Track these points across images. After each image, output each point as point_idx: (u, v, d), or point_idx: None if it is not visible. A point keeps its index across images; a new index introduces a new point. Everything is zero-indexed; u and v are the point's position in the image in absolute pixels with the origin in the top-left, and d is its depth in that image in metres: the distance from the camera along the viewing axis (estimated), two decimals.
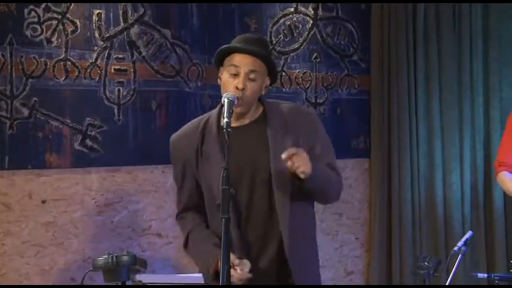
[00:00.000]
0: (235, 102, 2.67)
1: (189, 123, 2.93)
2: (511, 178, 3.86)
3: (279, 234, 2.72)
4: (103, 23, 4.19)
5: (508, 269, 3.85)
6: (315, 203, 2.94)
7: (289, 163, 2.59)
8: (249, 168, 2.74)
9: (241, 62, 2.72)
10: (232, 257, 2.54)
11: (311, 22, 5.01)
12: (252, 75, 2.72)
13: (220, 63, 2.80)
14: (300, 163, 2.59)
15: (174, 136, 2.93)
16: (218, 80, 2.81)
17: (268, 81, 2.83)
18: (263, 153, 2.75)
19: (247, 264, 2.64)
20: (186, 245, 2.90)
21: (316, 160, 2.72)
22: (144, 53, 4.33)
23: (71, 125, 4.11)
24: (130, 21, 4.28)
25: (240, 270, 2.60)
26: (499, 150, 4.06)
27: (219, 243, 2.55)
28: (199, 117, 2.93)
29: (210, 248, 2.73)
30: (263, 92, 2.83)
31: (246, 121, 2.82)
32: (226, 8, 4.61)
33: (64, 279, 4.11)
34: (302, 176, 2.61)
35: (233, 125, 2.70)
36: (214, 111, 2.87)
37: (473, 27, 5.23)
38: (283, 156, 2.57)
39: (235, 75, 2.72)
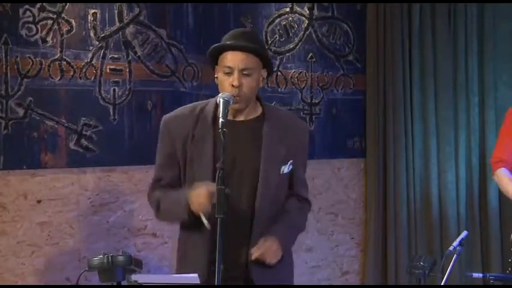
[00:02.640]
0: (231, 102, 2.67)
1: (184, 106, 2.94)
2: (508, 177, 3.84)
3: (251, 237, 2.76)
4: (98, 22, 4.19)
5: (503, 269, 3.86)
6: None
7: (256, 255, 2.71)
8: (235, 165, 2.74)
9: (234, 60, 2.72)
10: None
11: (306, 22, 5.01)
12: (246, 71, 2.72)
13: (215, 62, 2.80)
14: (271, 258, 2.74)
15: (167, 116, 2.92)
16: (215, 79, 2.81)
17: (265, 73, 2.83)
18: (254, 154, 2.76)
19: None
20: (158, 209, 2.87)
21: (294, 174, 2.87)
22: (139, 53, 4.32)
23: (66, 124, 4.11)
24: (125, 21, 4.27)
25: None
26: (496, 146, 4.04)
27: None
28: (195, 103, 2.94)
29: (180, 195, 2.72)
30: (261, 85, 2.82)
31: (242, 117, 2.82)
32: (222, 8, 4.61)
33: (59, 279, 4.10)
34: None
35: (229, 117, 2.71)
36: (213, 101, 2.84)
37: (469, 27, 5.23)
38: (254, 256, 2.71)
39: (230, 73, 2.72)
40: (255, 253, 2.71)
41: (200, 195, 2.61)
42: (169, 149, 2.86)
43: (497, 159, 3.92)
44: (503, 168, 3.88)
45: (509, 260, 3.81)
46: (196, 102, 2.94)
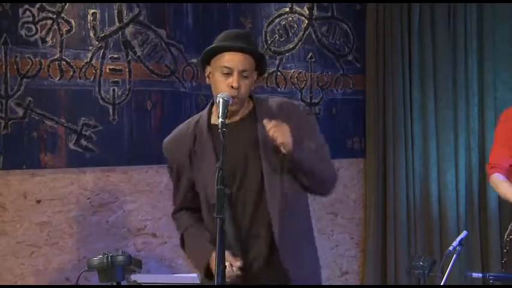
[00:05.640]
0: (230, 102, 2.66)
1: (179, 126, 2.93)
2: (503, 181, 3.85)
3: (270, 230, 2.71)
4: (98, 22, 4.19)
5: (501, 268, 3.87)
6: (309, 202, 2.94)
7: (270, 133, 2.60)
8: (240, 164, 2.73)
9: (233, 61, 2.69)
10: (226, 253, 2.53)
11: (306, 22, 5.01)
12: (245, 73, 2.71)
13: (207, 62, 2.78)
14: (278, 134, 2.60)
15: (166, 140, 2.93)
16: (207, 79, 2.80)
17: (255, 75, 2.81)
18: (254, 149, 2.75)
19: (237, 261, 2.63)
20: (182, 244, 2.92)
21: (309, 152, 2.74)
22: (139, 53, 4.32)
23: (65, 124, 4.11)
24: (125, 21, 4.27)
25: (229, 266, 2.59)
26: (490, 153, 4.06)
27: (211, 242, 2.63)
28: (189, 119, 2.92)
29: (202, 248, 2.75)
30: (253, 87, 2.82)
31: (237, 118, 2.80)
32: (221, 8, 4.61)
33: (59, 279, 4.10)
34: (283, 150, 2.61)
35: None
36: (205, 111, 2.86)
37: (468, 27, 5.23)
38: (266, 126, 2.59)
39: (228, 74, 2.71)
40: (267, 125, 2.62)
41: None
42: (176, 170, 2.88)
43: (491, 165, 3.94)
44: (497, 174, 3.88)
45: (503, 262, 3.82)
46: (190, 118, 2.92)
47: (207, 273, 2.72)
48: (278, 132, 2.60)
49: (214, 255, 2.50)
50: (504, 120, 3.96)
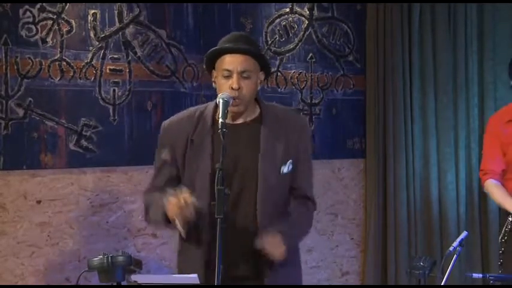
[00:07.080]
0: (230, 103, 2.67)
1: (184, 111, 2.93)
2: (497, 186, 3.85)
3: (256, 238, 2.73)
4: (98, 23, 4.19)
5: (498, 269, 3.87)
6: None
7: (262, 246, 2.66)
8: (236, 168, 2.74)
9: (233, 62, 2.72)
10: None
11: (306, 22, 5.01)
12: (245, 74, 2.73)
13: (212, 66, 2.80)
14: (272, 250, 2.66)
15: (166, 121, 2.92)
16: (213, 83, 2.81)
17: (262, 76, 2.82)
18: (253, 155, 2.76)
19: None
20: (147, 213, 2.90)
21: (296, 172, 2.81)
22: (139, 53, 4.33)
23: (66, 125, 4.11)
24: (125, 22, 4.28)
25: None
26: (482, 158, 4.06)
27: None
28: (195, 107, 2.93)
29: (162, 200, 2.69)
30: (258, 88, 2.82)
31: (241, 120, 2.82)
32: (222, 8, 4.62)
33: (59, 279, 4.11)
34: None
35: (227, 121, 2.71)
36: (212, 104, 2.85)
37: (468, 27, 5.24)
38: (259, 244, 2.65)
39: (229, 76, 2.72)
40: (258, 245, 2.67)
41: (172, 203, 2.60)
42: (166, 156, 2.85)
43: (484, 171, 3.95)
44: (490, 180, 3.89)
45: (499, 263, 3.82)
46: (196, 106, 2.93)
47: (167, 221, 2.69)
48: (274, 249, 2.66)
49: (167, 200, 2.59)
50: (491, 126, 3.99)
